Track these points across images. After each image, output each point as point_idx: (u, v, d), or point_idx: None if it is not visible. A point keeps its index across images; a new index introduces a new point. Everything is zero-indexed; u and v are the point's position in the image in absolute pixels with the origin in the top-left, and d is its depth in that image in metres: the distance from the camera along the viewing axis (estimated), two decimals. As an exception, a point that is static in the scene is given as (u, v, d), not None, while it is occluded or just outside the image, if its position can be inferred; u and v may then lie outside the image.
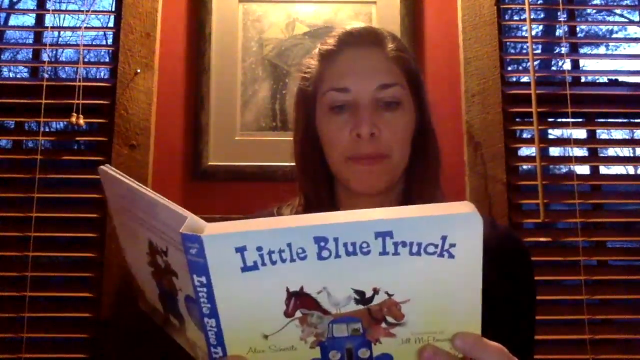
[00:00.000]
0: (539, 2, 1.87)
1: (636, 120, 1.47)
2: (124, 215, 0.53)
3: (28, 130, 1.46)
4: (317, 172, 0.73)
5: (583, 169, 1.43)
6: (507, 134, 1.36)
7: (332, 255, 0.39)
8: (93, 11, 1.43)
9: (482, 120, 1.36)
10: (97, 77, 1.93)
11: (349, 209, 0.71)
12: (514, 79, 1.44)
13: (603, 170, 1.44)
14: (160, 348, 1.24)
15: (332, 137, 0.70)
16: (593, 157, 1.42)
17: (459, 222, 0.39)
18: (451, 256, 0.39)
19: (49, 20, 1.45)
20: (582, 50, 1.55)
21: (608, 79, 1.55)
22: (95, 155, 1.36)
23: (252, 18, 1.39)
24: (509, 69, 1.46)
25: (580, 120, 1.44)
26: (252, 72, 1.37)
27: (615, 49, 3.85)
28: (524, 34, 1.41)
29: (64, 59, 2.95)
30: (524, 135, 2.41)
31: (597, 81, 1.81)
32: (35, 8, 1.53)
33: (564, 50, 1.43)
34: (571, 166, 1.36)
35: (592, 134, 1.44)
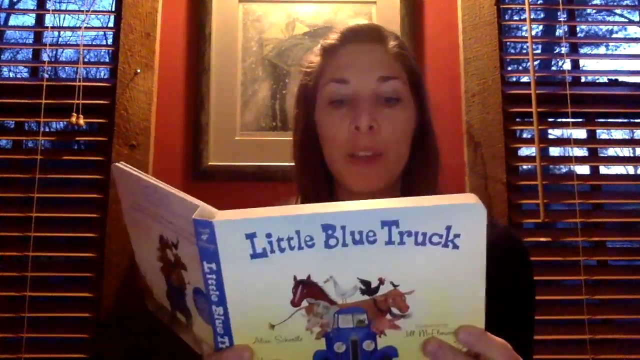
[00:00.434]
0: (539, 2, 1.87)
1: (636, 120, 1.47)
2: (136, 212, 0.54)
3: (28, 130, 1.46)
4: (317, 171, 0.73)
5: (583, 169, 1.43)
6: (507, 134, 1.36)
7: (339, 244, 0.40)
8: (93, 11, 1.43)
9: (482, 120, 1.36)
10: (97, 77, 1.93)
11: None
12: (514, 79, 1.44)
13: (603, 170, 1.44)
14: (161, 348, 1.25)
15: (331, 132, 0.69)
16: (593, 157, 1.42)
17: (464, 212, 0.39)
18: (455, 247, 0.40)
19: (49, 20, 1.46)
20: (582, 50, 1.55)
21: (608, 79, 1.55)
22: (95, 155, 1.36)
23: (252, 18, 1.39)
24: (509, 69, 1.46)
25: (580, 120, 1.44)
26: (252, 72, 1.37)
27: (615, 49, 3.85)
28: (524, 34, 1.41)
29: (64, 59, 2.96)
30: (524, 135, 2.41)
31: (597, 81, 1.80)
32: (35, 8, 1.52)
33: (564, 50, 1.43)
34: (571, 166, 1.36)
35: (592, 134, 1.44)
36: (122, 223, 1.27)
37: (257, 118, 1.35)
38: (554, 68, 2.76)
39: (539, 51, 1.55)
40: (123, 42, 1.36)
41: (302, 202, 0.76)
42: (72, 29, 1.69)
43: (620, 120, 1.48)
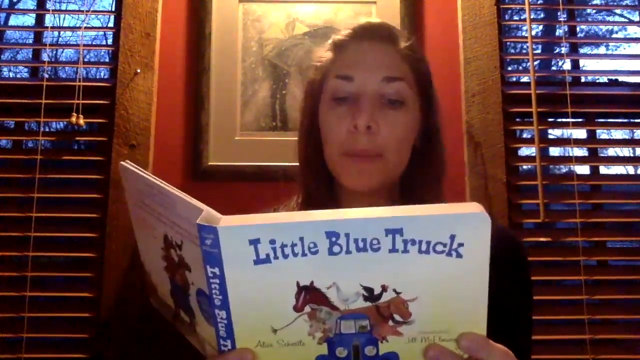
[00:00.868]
0: (539, 2, 1.87)
1: (636, 120, 1.47)
2: (141, 210, 0.54)
3: (28, 130, 1.46)
4: (319, 167, 0.72)
5: (583, 169, 1.43)
6: (507, 134, 1.36)
7: (343, 251, 0.40)
8: (93, 11, 1.43)
9: (482, 120, 1.36)
10: (97, 77, 1.93)
11: (348, 205, 0.71)
12: (514, 79, 1.44)
13: (603, 170, 1.44)
14: (161, 348, 1.25)
15: (330, 128, 0.69)
16: (593, 157, 1.42)
17: (468, 221, 0.39)
18: (459, 255, 0.40)
19: (49, 20, 1.46)
20: (582, 50, 1.55)
21: (608, 79, 1.55)
22: (95, 155, 1.36)
23: (252, 18, 1.39)
24: (509, 69, 1.46)
25: (580, 120, 1.43)
26: (252, 72, 1.37)
27: (615, 49, 3.85)
28: (524, 34, 1.41)
29: (64, 59, 2.95)
30: (524, 135, 2.41)
31: (597, 81, 1.80)
32: (35, 8, 1.53)
33: (564, 50, 1.43)
34: (571, 166, 1.36)
35: (592, 134, 1.44)
36: (122, 223, 1.28)
37: (257, 118, 1.35)
38: (554, 68, 2.76)
39: (539, 51, 1.56)
40: (123, 42, 1.36)
41: (304, 199, 0.75)
42: (72, 29, 1.69)
43: (620, 120, 1.48)
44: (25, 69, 2.90)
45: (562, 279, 1.34)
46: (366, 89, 0.67)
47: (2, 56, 1.90)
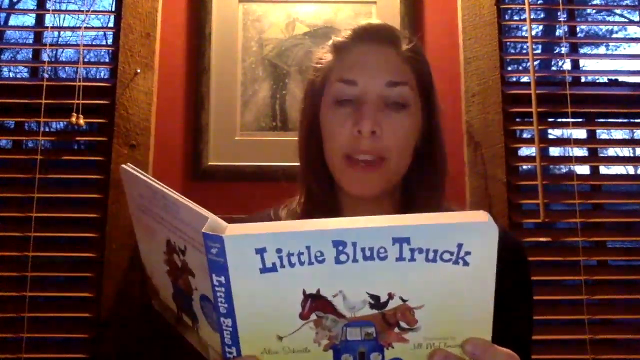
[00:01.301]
0: (539, 2, 1.87)
1: (636, 120, 1.47)
2: (144, 214, 0.54)
3: (28, 130, 1.46)
4: (319, 168, 0.72)
5: (583, 169, 1.43)
6: (507, 134, 1.36)
7: (350, 260, 0.40)
8: (93, 11, 1.43)
9: (482, 120, 1.36)
10: (97, 77, 1.93)
11: (349, 208, 0.71)
12: (514, 79, 1.44)
13: (603, 170, 1.44)
14: (161, 348, 1.25)
15: (333, 131, 0.68)
16: (593, 157, 1.42)
17: (475, 230, 0.40)
18: (466, 264, 0.40)
19: (49, 20, 1.45)
20: (582, 50, 1.55)
21: (608, 79, 1.55)
22: (95, 155, 1.36)
23: (252, 18, 1.39)
24: (509, 69, 1.46)
25: (580, 120, 1.43)
26: (252, 72, 1.37)
27: (615, 49, 3.85)
28: (524, 34, 1.41)
29: (64, 59, 2.96)
30: (524, 135, 2.41)
31: (597, 81, 1.80)
32: (35, 8, 1.53)
33: (564, 50, 1.43)
34: (571, 166, 1.36)
35: (592, 134, 1.44)
36: (122, 223, 1.28)
37: (257, 118, 1.35)
38: (554, 68, 2.75)
39: (539, 51, 1.56)
40: (123, 42, 1.36)
41: (305, 200, 0.75)
42: (72, 29, 1.69)
43: (620, 120, 1.48)
44: (25, 69, 2.90)
45: (562, 279, 1.34)
46: (370, 93, 0.67)
47: (2, 56, 1.90)
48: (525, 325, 0.70)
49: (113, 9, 1.44)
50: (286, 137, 1.32)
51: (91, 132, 1.50)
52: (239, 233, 0.40)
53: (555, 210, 1.38)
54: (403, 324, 0.42)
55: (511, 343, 0.46)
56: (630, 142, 2.51)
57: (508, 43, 1.56)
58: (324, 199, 0.73)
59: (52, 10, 1.43)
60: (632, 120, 1.47)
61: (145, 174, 0.51)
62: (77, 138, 1.42)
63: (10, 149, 1.41)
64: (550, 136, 3.55)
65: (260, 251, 0.40)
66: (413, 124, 0.69)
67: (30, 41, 1.57)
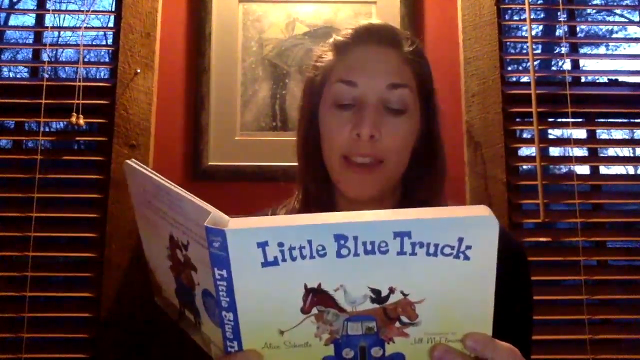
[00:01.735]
0: (539, 2, 1.87)
1: (636, 120, 1.47)
2: (147, 209, 0.54)
3: (28, 130, 1.46)
4: (317, 168, 0.72)
5: (583, 169, 1.43)
6: (507, 134, 1.36)
7: (351, 254, 0.40)
8: (93, 11, 1.43)
9: (482, 120, 1.36)
10: (97, 77, 1.93)
11: (347, 208, 0.71)
12: (514, 79, 1.44)
13: (603, 170, 1.44)
14: (161, 348, 1.25)
15: (332, 133, 0.68)
16: (593, 157, 1.42)
17: (476, 224, 0.40)
18: (466, 258, 0.40)
19: (49, 20, 1.46)
20: (582, 50, 1.55)
21: (608, 79, 1.55)
22: (95, 155, 1.37)
23: (252, 18, 1.39)
24: (509, 69, 1.46)
25: (580, 120, 1.44)
26: (252, 72, 1.37)
27: (615, 49, 3.85)
28: (524, 34, 1.41)
29: (64, 59, 2.95)
30: (524, 135, 2.41)
31: (597, 81, 1.80)
32: (35, 8, 1.53)
33: (564, 50, 1.43)
34: (571, 166, 1.36)
35: (592, 134, 1.44)
36: (122, 223, 1.28)
37: (257, 118, 1.35)
38: (554, 68, 2.75)
39: (539, 51, 1.56)
40: (123, 42, 1.36)
41: (303, 200, 0.75)
42: (72, 29, 1.69)
43: (620, 120, 1.48)
44: (25, 69, 2.90)
45: (562, 279, 1.34)
46: (370, 96, 0.66)
47: (2, 56, 1.90)
48: (525, 326, 0.70)
49: (113, 9, 1.44)
50: (286, 137, 1.32)
51: (91, 132, 1.50)
52: (241, 227, 0.40)
53: (555, 210, 1.38)
54: (404, 319, 0.42)
55: (511, 343, 0.46)
56: (630, 142, 2.51)
57: (508, 43, 1.56)
58: (321, 198, 0.73)
59: (52, 10, 1.43)
60: (632, 120, 1.47)
61: (150, 169, 0.52)
62: (77, 138, 1.43)
63: (10, 149, 1.41)
64: (550, 136, 3.55)
65: (262, 245, 0.40)
66: (412, 126, 0.69)
67: (30, 41, 1.57)
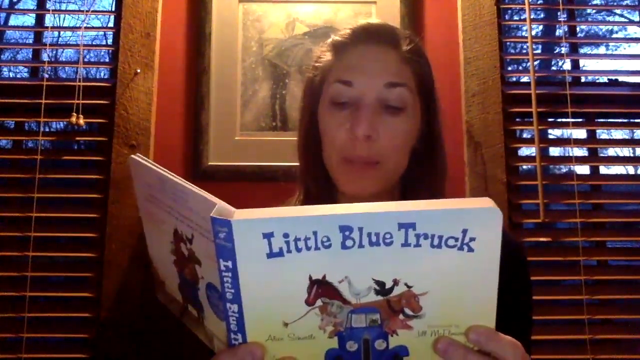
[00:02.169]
0: (539, 2, 1.87)
1: (636, 120, 1.47)
2: (151, 204, 0.54)
3: (28, 130, 1.46)
4: (317, 168, 0.72)
5: (583, 169, 1.43)
6: (507, 134, 1.36)
7: (356, 245, 0.40)
8: (93, 11, 1.43)
9: (482, 120, 1.36)
10: (97, 77, 1.93)
11: None
12: (514, 79, 1.44)
13: (603, 170, 1.44)
14: (160, 348, 1.25)
15: (330, 133, 0.68)
16: (593, 157, 1.42)
17: (480, 216, 0.40)
18: (470, 250, 0.40)
19: (49, 20, 1.46)
20: (582, 50, 1.55)
21: (608, 79, 1.55)
22: (95, 155, 1.36)
23: (252, 18, 1.39)
24: (509, 69, 1.46)
25: (580, 120, 1.43)
26: (252, 72, 1.37)
27: (615, 49, 3.85)
28: (524, 34, 1.41)
29: (64, 59, 2.95)
30: (524, 135, 2.41)
31: (597, 81, 1.80)
32: (35, 8, 1.53)
33: (564, 50, 1.42)
34: (571, 166, 1.36)
35: (592, 134, 1.44)
36: (122, 223, 1.28)
37: (257, 118, 1.35)
38: (554, 68, 2.75)
39: (539, 51, 1.55)
40: (123, 42, 1.36)
41: (303, 200, 0.76)
42: (72, 29, 1.69)
43: (620, 120, 1.48)
44: (25, 69, 2.90)
45: (562, 279, 1.34)
46: (367, 95, 0.66)
47: (2, 56, 1.90)
48: (524, 326, 0.70)
49: (113, 9, 1.44)
50: (286, 137, 1.32)
51: (91, 132, 1.50)
52: (247, 217, 0.40)
53: (555, 210, 1.38)
54: (408, 311, 0.42)
55: None
56: (630, 142, 2.51)
57: (508, 43, 1.56)
58: (322, 197, 0.73)
59: (52, 10, 1.43)
60: (632, 120, 1.47)
61: (155, 163, 0.52)
62: (77, 138, 1.42)
63: (10, 149, 1.41)
64: (550, 136, 3.55)
65: (268, 236, 0.40)
66: (411, 126, 0.69)
67: (30, 41, 1.57)
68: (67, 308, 1.30)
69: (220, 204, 0.41)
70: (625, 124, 1.54)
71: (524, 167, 1.43)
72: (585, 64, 1.79)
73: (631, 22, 2.41)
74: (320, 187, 0.73)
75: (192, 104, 1.35)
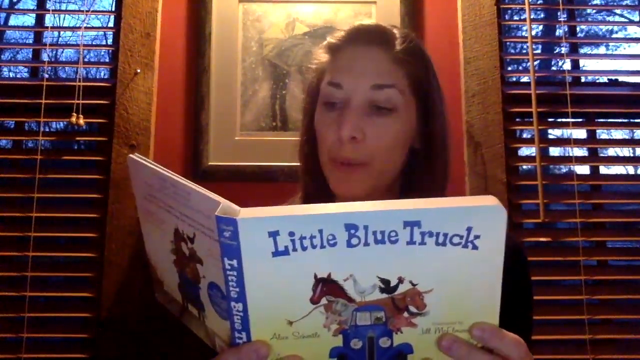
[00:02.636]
0: (539, 2, 1.87)
1: (636, 120, 1.47)
2: (150, 204, 0.54)
3: (28, 130, 1.46)
4: (317, 169, 0.72)
5: (583, 169, 1.43)
6: (507, 134, 1.36)
7: (361, 243, 0.40)
8: (93, 11, 1.43)
9: (482, 120, 1.36)
10: (97, 77, 1.93)
11: None
12: (514, 79, 1.44)
13: (603, 170, 1.44)
14: (160, 348, 1.25)
15: (321, 133, 0.69)
16: (593, 157, 1.42)
17: (485, 214, 0.40)
18: (475, 247, 0.40)
19: (49, 20, 1.45)
20: (582, 50, 1.55)
21: (608, 79, 1.55)
22: (95, 155, 1.36)
23: (252, 18, 1.39)
24: (509, 69, 1.46)
25: (580, 120, 1.43)
26: (252, 72, 1.37)
27: (615, 49, 3.86)
28: (524, 34, 1.41)
29: (64, 59, 2.96)
30: (524, 135, 2.41)
31: (597, 81, 1.80)
32: (35, 8, 1.53)
33: (564, 50, 1.42)
34: (571, 166, 1.36)
35: (592, 134, 1.44)
36: (122, 223, 1.28)
37: (257, 118, 1.35)
38: (554, 68, 2.76)
39: (539, 51, 1.56)
40: (123, 42, 1.36)
41: (304, 200, 0.76)
42: (72, 29, 1.69)
43: (620, 120, 1.48)
44: (25, 69, 2.90)
45: (562, 279, 1.34)
46: (354, 97, 0.66)
47: (2, 56, 1.90)
48: (525, 326, 0.69)
49: (113, 9, 1.44)
50: (286, 137, 1.32)
51: (91, 132, 1.50)
52: (252, 216, 0.40)
53: (555, 210, 1.38)
54: (412, 309, 0.42)
55: None
56: (630, 142, 2.51)
57: (508, 43, 1.56)
58: (321, 197, 0.73)
59: (52, 10, 1.43)
60: (632, 120, 1.47)
61: (154, 162, 0.51)
62: (77, 138, 1.43)
63: (10, 149, 1.41)
64: (550, 136, 3.55)
65: (273, 234, 0.40)
66: (402, 126, 0.68)
67: (30, 41, 1.57)
68: (67, 308, 1.30)
69: (224, 202, 0.41)
70: (625, 124, 1.54)
71: (524, 167, 1.43)
72: (585, 64, 1.79)
73: (631, 22, 2.40)
74: (318, 188, 0.73)
75: (192, 104, 1.35)
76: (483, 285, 0.42)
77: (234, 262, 0.41)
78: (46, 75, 1.37)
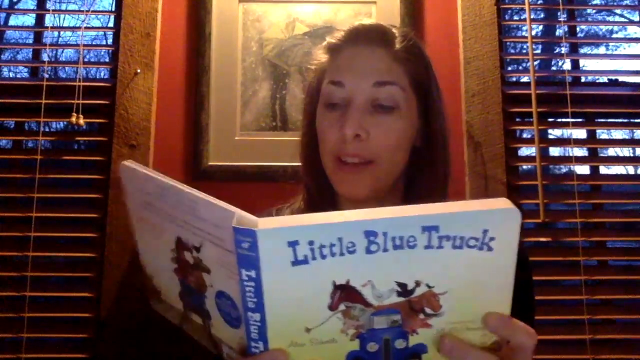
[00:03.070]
0: (539, 2, 1.87)
1: (636, 120, 1.47)
2: (147, 212, 0.53)
3: (28, 130, 1.46)
4: (318, 170, 0.72)
5: (583, 169, 1.43)
6: (507, 134, 1.36)
7: (380, 249, 0.40)
8: (93, 11, 1.43)
9: (482, 120, 1.36)
10: (97, 77, 1.93)
11: (347, 208, 0.71)
12: (514, 79, 1.44)
13: (603, 170, 1.44)
14: (160, 348, 1.25)
15: (324, 133, 0.69)
16: (593, 157, 1.42)
17: (501, 217, 0.40)
18: (490, 249, 0.41)
19: (49, 20, 1.46)
20: (582, 50, 1.55)
21: (608, 79, 1.55)
22: (95, 155, 1.37)
23: (252, 18, 1.39)
24: (509, 69, 1.46)
25: (580, 120, 1.43)
26: (252, 72, 1.37)
27: (615, 49, 3.85)
28: (524, 34, 1.41)
29: (64, 59, 2.96)
30: (524, 135, 2.41)
31: (597, 81, 1.80)
32: (35, 8, 1.53)
33: (564, 50, 1.43)
34: (571, 166, 1.36)
35: (592, 134, 1.44)
36: (122, 223, 1.28)
37: (257, 118, 1.35)
38: (554, 68, 2.76)
39: (539, 51, 1.56)
40: (123, 42, 1.36)
41: (306, 201, 0.76)
42: (72, 29, 1.69)
43: (620, 120, 1.48)
44: (25, 69, 2.90)
45: (562, 279, 1.34)
46: (357, 95, 0.66)
47: (2, 56, 1.90)
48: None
49: (113, 9, 1.44)
50: (286, 137, 1.32)
51: (91, 132, 1.50)
52: (272, 226, 0.40)
53: (555, 210, 1.38)
54: (428, 310, 0.43)
55: None
56: (630, 142, 2.51)
57: (508, 43, 1.56)
58: (323, 198, 0.73)
59: (52, 10, 1.43)
60: (632, 120, 1.47)
61: (150, 169, 0.50)
62: (77, 138, 1.43)
63: (10, 149, 1.41)
64: (550, 136, 3.55)
65: (293, 244, 0.39)
66: (405, 124, 0.68)
67: (30, 41, 1.57)
68: (67, 308, 1.30)
69: (238, 212, 0.41)
70: (625, 124, 1.54)
71: (524, 167, 1.43)
72: (585, 64, 1.79)
73: (631, 22, 2.40)
74: (320, 188, 0.73)
75: (192, 104, 1.35)
76: (496, 284, 0.43)
77: (252, 273, 0.40)
78: (46, 75, 1.37)
